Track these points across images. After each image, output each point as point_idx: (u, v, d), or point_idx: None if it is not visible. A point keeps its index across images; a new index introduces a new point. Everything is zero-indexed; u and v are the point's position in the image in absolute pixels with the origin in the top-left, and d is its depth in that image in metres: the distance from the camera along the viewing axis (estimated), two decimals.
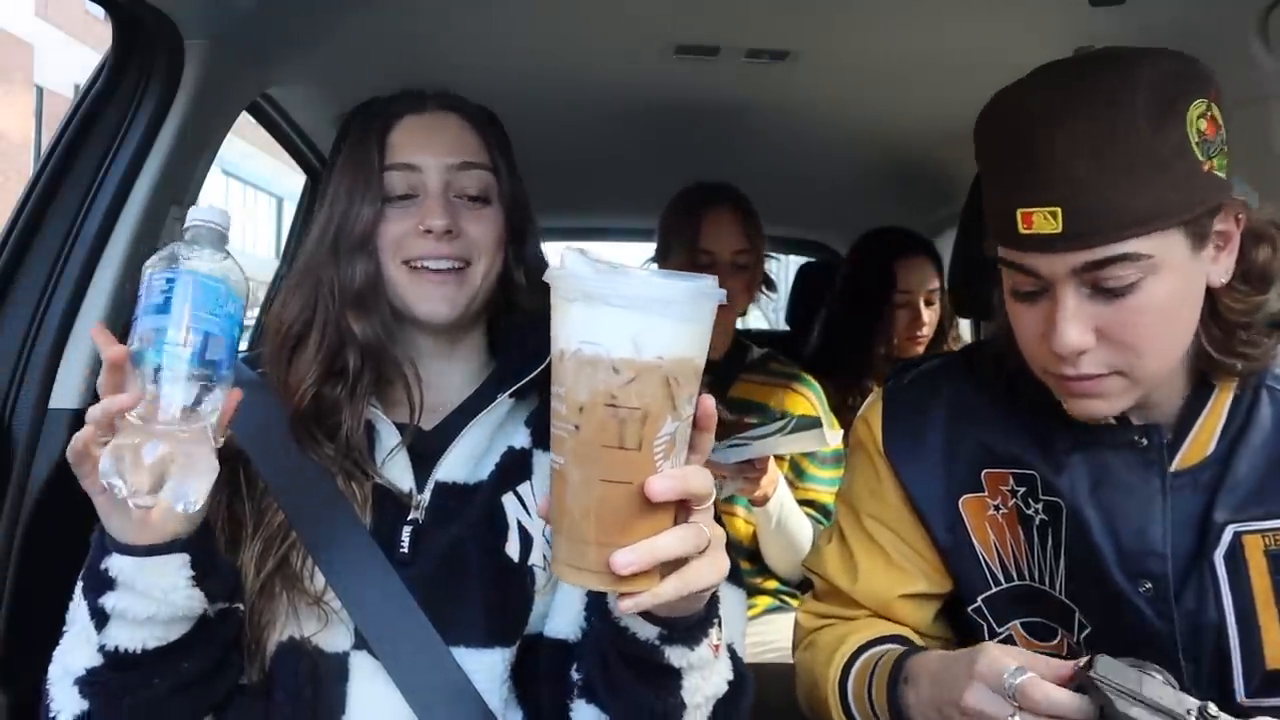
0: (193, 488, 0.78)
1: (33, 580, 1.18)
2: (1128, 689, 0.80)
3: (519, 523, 1.01)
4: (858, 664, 1.06)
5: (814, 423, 1.74)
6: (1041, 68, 0.94)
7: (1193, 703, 0.79)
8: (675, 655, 0.83)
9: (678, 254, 1.94)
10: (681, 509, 0.71)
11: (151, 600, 0.84)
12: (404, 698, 0.94)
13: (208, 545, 0.88)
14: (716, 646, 0.85)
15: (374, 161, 1.02)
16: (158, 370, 0.76)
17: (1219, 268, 0.94)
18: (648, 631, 0.82)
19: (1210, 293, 0.95)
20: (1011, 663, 0.86)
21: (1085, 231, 0.87)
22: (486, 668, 0.96)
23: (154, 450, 0.76)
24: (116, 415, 0.76)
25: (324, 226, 1.03)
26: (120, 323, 1.30)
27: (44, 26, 14.77)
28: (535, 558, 1.01)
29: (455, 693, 0.95)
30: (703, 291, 0.68)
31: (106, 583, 0.84)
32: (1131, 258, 0.88)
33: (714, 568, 0.74)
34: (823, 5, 1.55)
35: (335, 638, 0.97)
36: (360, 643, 0.96)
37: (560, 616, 0.99)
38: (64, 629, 0.93)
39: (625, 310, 0.66)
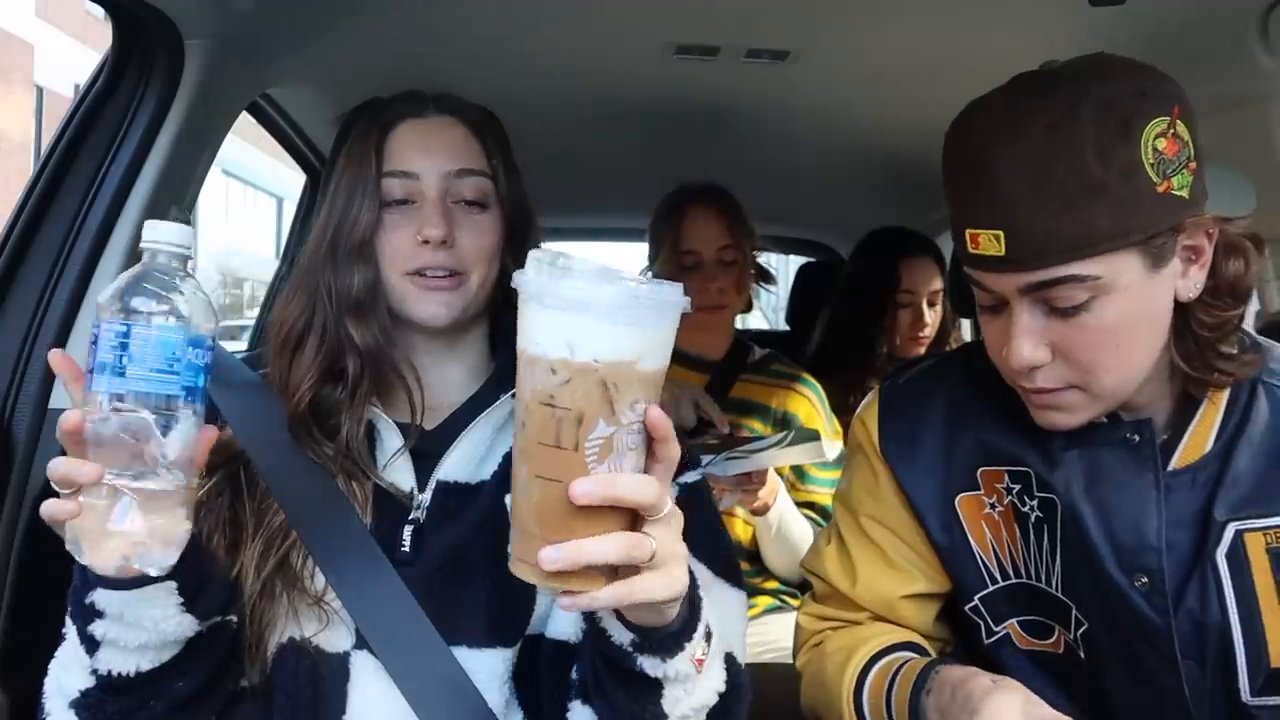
0: (163, 553, 0.75)
1: (33, 581, 1.18)
2: None
3: None
4: (874, 671, 1.06)
5: (813, 435, 1.75)
6: (1005, 84, 0.94)
7: None
8: (649, 665, 0.82)
9: (664, 255, 1.94)
10: (636, 519, 0.71)
11: (142, 630, 0.84)
12: (405, 697, 0.94)
13: (195, 567, 0.86)
14: (701, 660, 0.84)
15: (372, 167, 1.02)
16: (118, 435, 0.72)
17: (1189, 282, 0.94)
18: (622, 636, 0.82)
19: (1182, 306, 0.95)
20: None
21: (1026, 256, 0.89)
22: (487, 667, 0.96)
23: (122, 519, 0.73)
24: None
25: (322, 230, 1.03)
26: None
27: (44, 26, 14.77)
28: None
29: (456, 692, 0.94)
30: (636, 296, 0.67)
31: (94, 613, 0.84)
32: (1078, 279, 0.88)
33: (664, 583, 0.73)
34: (823, 5, 1.55)
35: (336, 638, 0.96)
36: (361, 643, 0.96)
37: (562, 618, 0.99)
38: (63, 632, 0.93)
39: (560, 312, 0.67)
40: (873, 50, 1.72)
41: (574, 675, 0.95)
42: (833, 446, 1.79)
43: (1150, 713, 1.01)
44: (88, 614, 0.84)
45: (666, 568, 0.73)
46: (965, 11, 1.54)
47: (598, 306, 0.66)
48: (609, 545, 0.69)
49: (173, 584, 0.83)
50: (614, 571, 0.71)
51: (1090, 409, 0.96)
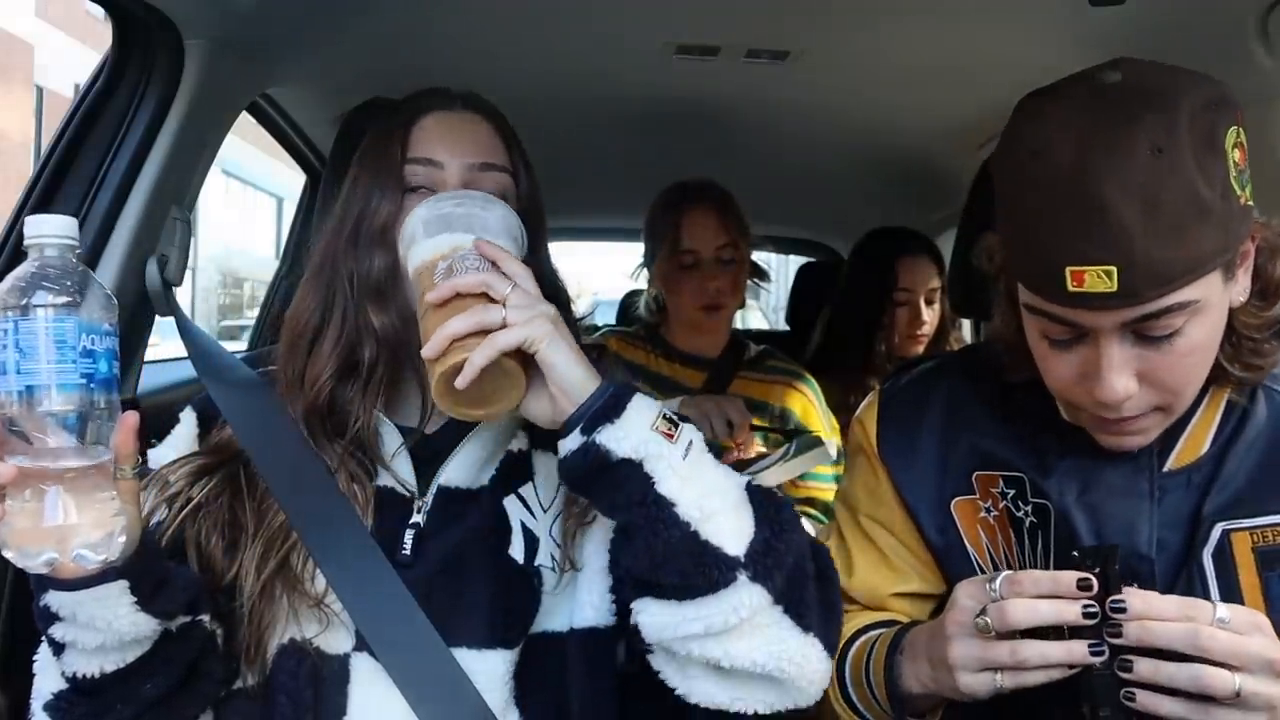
0: (100, 542, 0.75)
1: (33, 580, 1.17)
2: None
3: (522, 524, 1.01)
4: (854, 647, 1.07)
5: (815, 441, 1.76)
6: (1068, 99, 0.88)
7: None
8: (608, 439, 0.85)
9: (661, 253, 1.94)
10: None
11: (96, 630, 0.83)
12: (405, 699, 0.94)
13: (150, 566, 0.85)
14: (669, 434, 0.86)
15: (396, 153, 1.02)
16: (33, 434, 0.72)
17: (1239, 287, 0.93)
18: (574, 439, 0.87)
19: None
20: (978, 603, 0.89)
21: (1141, 289, 0.84)
22: (487, 669, 0.96)
23: (53, 514, 0.73)
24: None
25: (342, 218, 1.02)
26: (120, 323, 1.30)
27: (44, 26, 14.76)
28: (542, 558, 1.01)
29: (456, 694, 0.95)
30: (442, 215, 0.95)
31: (51, 616, 0.84)
32: (1181, 306, 0.85)
33: (522, 327, 0.85)
34: (823, 5, 1.55)
35: (336, 639, 0.96)
36: (361, 644, 0.96)
37: (587, 606, 0.99)
38: None
39: (409, 248, 0.97)
40: (873, 50, 1.72)
41: (623, 655, 1.00)
42: (834, 444, 1.79)
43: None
44: (45, 617, 0.84)
45: (520, 312, 0.86)
46: (965, 12, 1.54)
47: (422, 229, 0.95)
48: (459, 318, 0.85)
49: (124, 583, 0.82)
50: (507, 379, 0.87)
51: (1163, 426, 0.96)
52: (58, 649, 0.86)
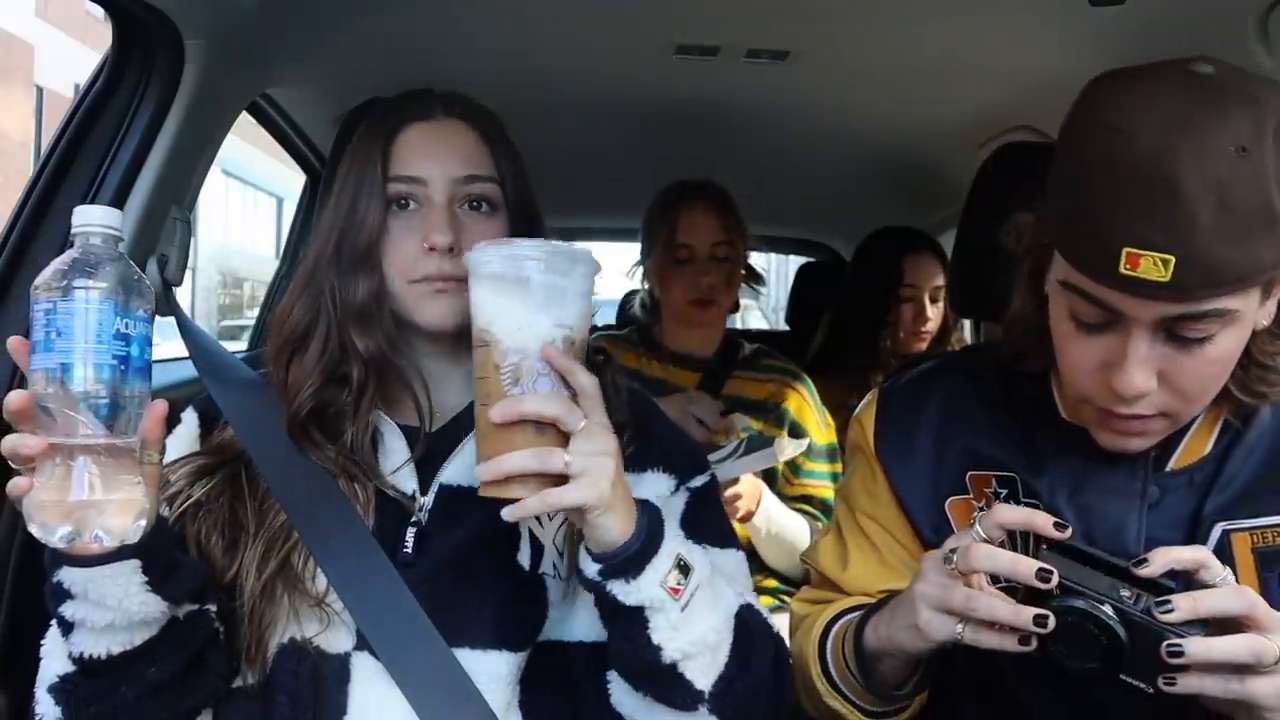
0: (119, 523, 0.77)
1: (33, 580, 1.17)
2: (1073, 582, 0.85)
3: (530, 531, 1.01)
4: (836, 627, 1.07)
5: (765, 441, 1.77)
6: (1158, 80, 0.85)
7: (1132, 591, 0.84)
8: (619, 591, 0.88)
9: (657, 250, 1.95)
10: (558, 434, 0.84)
11: (106, 608, 0.85)
12: (406, 698, 0.94)
13: (162, 548, 0.87)
14: (676, 590, 0.89)
15: (377, 171, 1.00)
16: (63, 413, 0.74)
17: (1265, 311, 0.91)
18: (591, 569, 0.89)
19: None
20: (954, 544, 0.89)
21: (1192, 286, 0.82)
22: (489, 669, 0.96)
23: (78, 490, 0.74)
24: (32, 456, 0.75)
25: (327, 234, 1.02)
26: None
27: (44, 26, 14.76)
28: (546, 566, 1.01)
29: (457, 694, 0.95)
30: (523, 253, 0.85)
31: (63, 593, 0.85)
32: (1220, 313, 0.84)
33: (584, 490, 0.83)
34: (823, 5, 1.55)
35: (337, 639, 0.96)
36: (362, 644, 0.96)
37: (590, 619, 1.00)
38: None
39: (475, 285, 0.87)
40: (873, 50, 1.72)
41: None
42: (795, 444, 1.80)
43: (1138, 709, 1.01)
44: (57, 594, 0.85)
45: (588, 477, 0.83)
46: (965, 11, 1.54)
47: (488, 275, 0.85)
48: (521, 456, 0.82)
49: (137, 562, 0.84)
50: (554, 483, 0.83)
51: (1165, 433, 0.95)
52: (67, 628, 0.87)
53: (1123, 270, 0.82)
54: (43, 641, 0.93)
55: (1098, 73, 0.91)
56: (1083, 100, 0.89)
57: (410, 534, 0.99)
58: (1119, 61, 0.91)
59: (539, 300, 0.84)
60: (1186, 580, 0.85)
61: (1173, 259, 0.80)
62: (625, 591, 0.88)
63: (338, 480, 0.98)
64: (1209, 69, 0.85)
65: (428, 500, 1.01)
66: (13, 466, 0.76)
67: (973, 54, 1.70)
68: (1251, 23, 1.35)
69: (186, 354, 1.12)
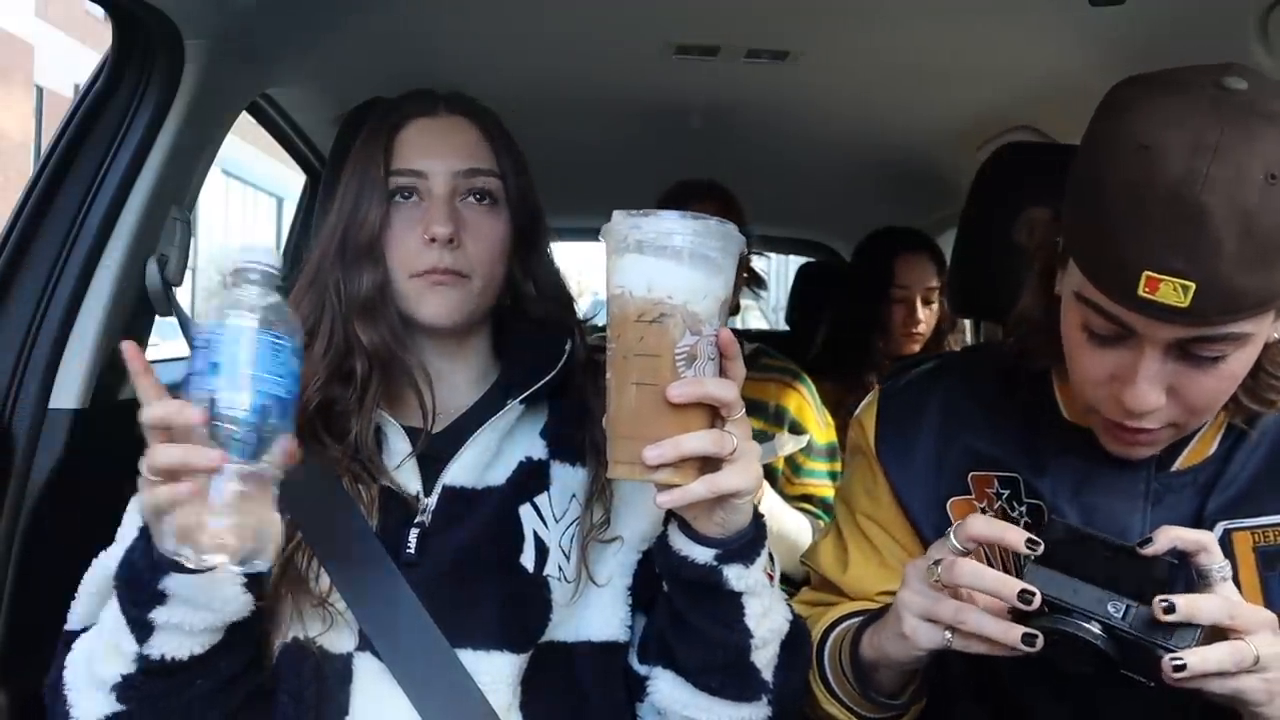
0: (258, 550, 0.79)
1: (33, 580, 1.18)
2: (1061, 599, 0.85)
3: (535, 534, 1.01)
4: (834, 634, 1.07)
5: (765, 439, 1.76)
6: (1189, 96, 0.82)
7: (1120, 604, 0.84)
8: (733, 575, 0.89)
9: None
10: (715, 418, 0.81)
11: (211, 611, 0.86)
12: (408, 699, 0.94)
13: None
14: (771, 575, 0.91)
15: (380, 165, 1.01)
16: (223, 436, 0.77)
17: (1277, 325, 0.90)
18: (705, 555, 0.89)
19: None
20: (929, 561, 0.89)
21: (1211, 312, 0.81)
22: (492, 670, 0.96)
23: (224, 514, 0.77)
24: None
25: (331, 230, 1.03)
26: (120, 323, 1.31)
27: (44, 26, 14.75)
28: (550, 569, 1.01)
29: (459, 694, 0.95)
30: (710, 230, 0.81)
31: (157, 598, 0.84)
32: (1236, 336, 0.84)
33: (744, 475, 0.82)
34: (823, 5, 1.55)
35: (339, 639, 0.96)
36: (364, 644, 0.96)
37: (600, 620, 1.01)
38: (70, 631, 0.94)
39: (640, 256, 0.82)
40: (873, 50, 1.72)
41: (638, 668, 1.02)
42: (794, 441, 1.80)
43: (1137, 709, 1.01)
44: (149, 600, 0.85)
45: (745, 461, 0.82)
46: (965, 12, 1.54)
47: (673, 249, 0.81)
48: (702, 438, 0.79)
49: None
50: (701, 469, 0.81)
51: (1171, 440, 0.95)
52: (145, 632, 0.86)
53: (1141, 293, 0.81)
54: (47, 645, 0.93)
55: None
56: (1108, 108, 0.88)
57: (413, 535, 0.99)
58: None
59: (725, 277, 0.83)
60: (1187, 575, 0.86)
61: (1193, 285, 0.79)
62: (740, 576, 0.90)
63: (342, 481, 0.98)
64: (1242, 84, 0.83)
65: (431, 501, 1.01)
66: (149, 477, 0.77)
67: (973, 54, 1.70)
68: (1251, 23, 1.35)
69: (187, 354, 1.12)
